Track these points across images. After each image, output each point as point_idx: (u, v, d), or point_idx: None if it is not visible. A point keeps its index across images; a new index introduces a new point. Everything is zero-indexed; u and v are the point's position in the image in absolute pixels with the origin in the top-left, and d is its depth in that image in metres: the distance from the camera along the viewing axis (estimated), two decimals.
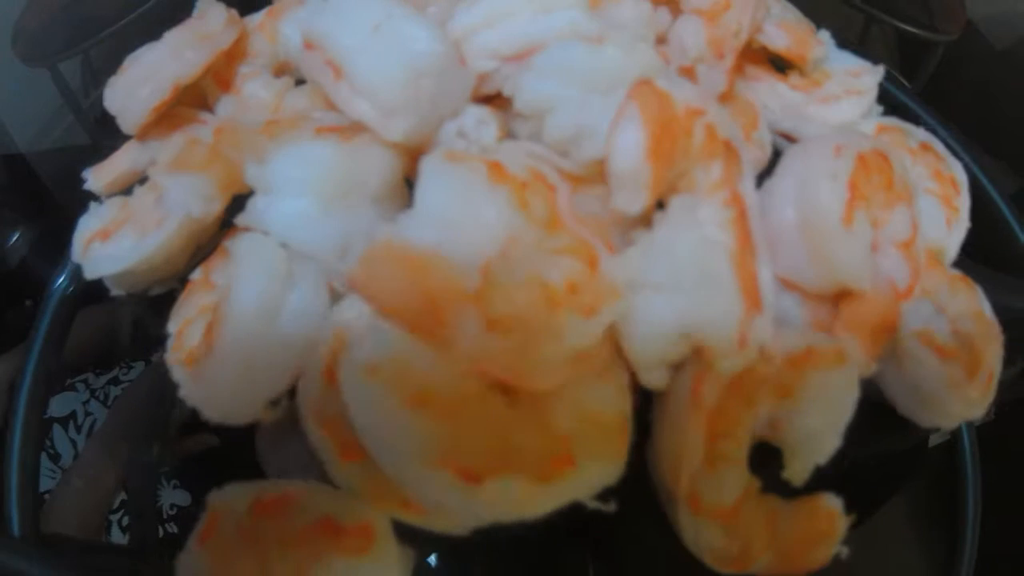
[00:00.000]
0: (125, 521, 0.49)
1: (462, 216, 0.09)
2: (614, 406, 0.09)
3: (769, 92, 0.14)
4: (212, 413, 0.11)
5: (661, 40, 0.13)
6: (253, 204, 0.10)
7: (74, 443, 0.63)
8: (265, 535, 0.10)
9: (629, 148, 0.08)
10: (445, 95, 0.10)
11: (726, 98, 0.12)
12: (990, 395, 0.14)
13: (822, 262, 0.10)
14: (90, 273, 0.14)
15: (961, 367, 0.13)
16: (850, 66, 0.16)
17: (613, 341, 0.09)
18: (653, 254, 0.09)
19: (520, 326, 0.08)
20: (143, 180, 0.16)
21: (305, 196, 0.10)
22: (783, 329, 0.11)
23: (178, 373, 0.11)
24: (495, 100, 0.10)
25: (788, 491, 0.12)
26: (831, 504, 0.11)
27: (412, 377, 0.08)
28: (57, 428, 0.67)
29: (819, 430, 0.11)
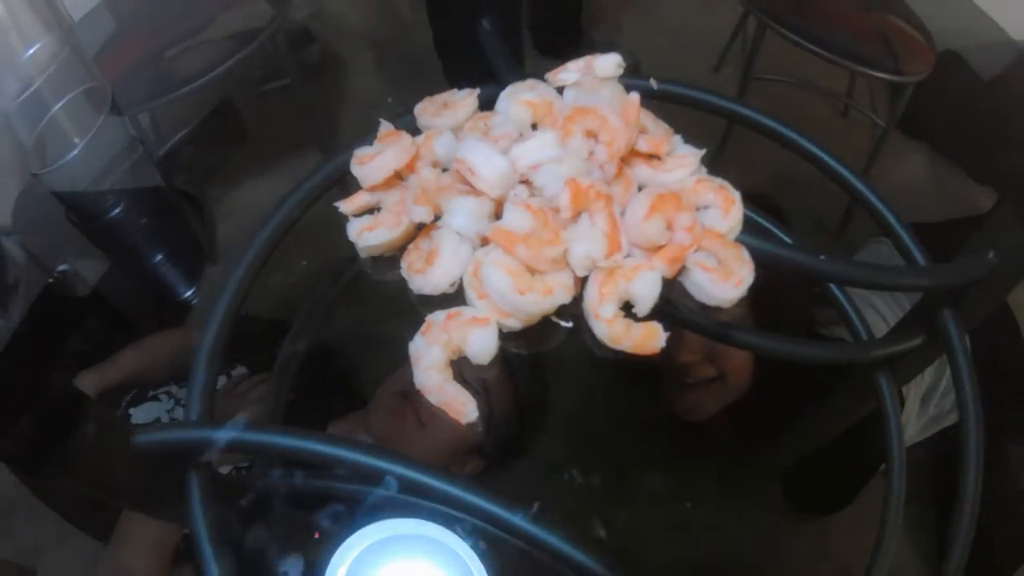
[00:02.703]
0: None
1: (518, 221, 0.34)
2: (567, 280, 0.34)
3: (640, 170, 0.39)
4: (426, 290, 0.36)
5: (592, 152, 0.38)
6: (444, 218, 0.36)
7: None
8: (451, 325, 0.35)
9: (564, 201, 0.33)
10: (510, 181, 0.35)
11: (617, 175, 0.37)
12: (740, 291, 0.38)
13: (640, 236, 0.35)
14: (362, 244, 0.39)
15: (719, 276, 0.38)
16: (683, 152, 0.41)
17: (565, 260, 0.34)
18: (575, 231, 0.34)
19: (535, 248, 0.33)
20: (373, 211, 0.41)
21: (464, 216, 0.35)
22: (632, 258, 0.36)
23: (412, 278, 0.37)
24: (526, 182, 0.36)
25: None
26: (656, 325, 0.36)
27: (506, 265, 0.33)
28: None
29: (644, 295, 0.36)
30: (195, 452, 0.37)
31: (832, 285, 0.51)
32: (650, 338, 0.36)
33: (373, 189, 0.41)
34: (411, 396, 0.59)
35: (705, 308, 0.39)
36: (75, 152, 0.79)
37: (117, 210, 0.85)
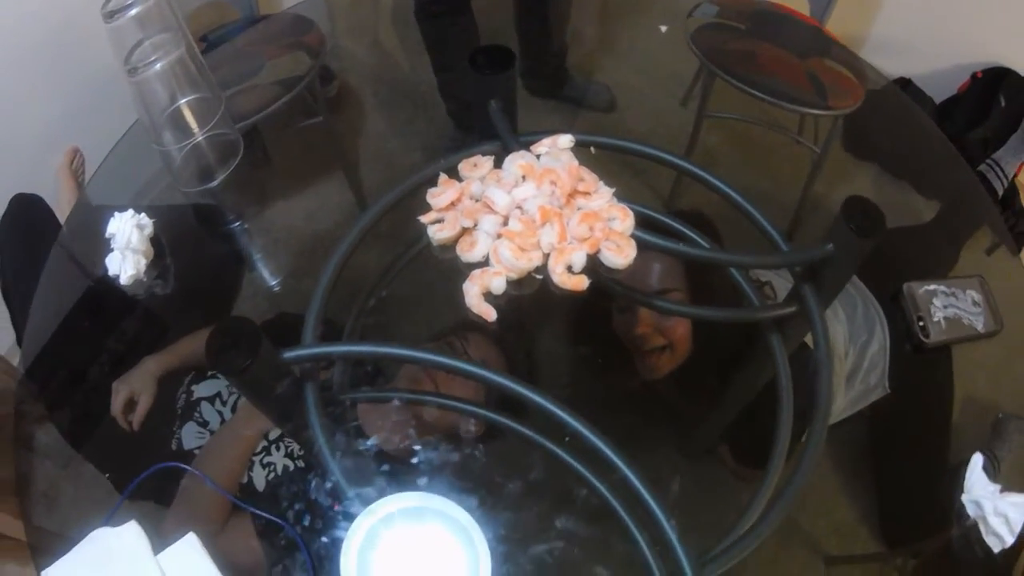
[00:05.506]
0: (264, 460, 0.97)
1: (516, 226, 0.80)
2: (539, 254, 0.82)
3: (579, 201, 0.85)
4: (469, 260, 0.82)
5: (553, 191, 0.83)
6: (479, 225, 0.81)
7: (220, 414, 1.05)
8: (483, 275, 0.80)
9: (538, 216, 0.79)
10: (512, 207, 0.81)
11: (566, 203, 0.83)
12: (628, 261, 0.84)
13: (576, 233, 0.82)
14: (435, 239, 0.85)
15: (616, 252, 0.83)
16: (603, 191, 0.86)
17: (539, 244, 0.79)
18: (543, 231, 0.80)
19: (524, 238, 0.78)
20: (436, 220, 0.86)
21: (489, 224, 0.82)
22: (572, 244, 0.81)
23: (462, 255, 0.84)
24: (520, 207, 0.82)
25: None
26: (583, 276, 0.81)
27: (510, 246, 0.79)
28: (205, 404, 1.08)
29: (577, 262, 0.82)
30: (319, 362, 0.80)
31: (734, 271, 0.95)
32: (580, 283, 0.80)
33: (439, 210, 0.86)
34: (419, 379, 1.02)
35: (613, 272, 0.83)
36: (216, 183, 1.25)
37: (238, 223, 1.30)
